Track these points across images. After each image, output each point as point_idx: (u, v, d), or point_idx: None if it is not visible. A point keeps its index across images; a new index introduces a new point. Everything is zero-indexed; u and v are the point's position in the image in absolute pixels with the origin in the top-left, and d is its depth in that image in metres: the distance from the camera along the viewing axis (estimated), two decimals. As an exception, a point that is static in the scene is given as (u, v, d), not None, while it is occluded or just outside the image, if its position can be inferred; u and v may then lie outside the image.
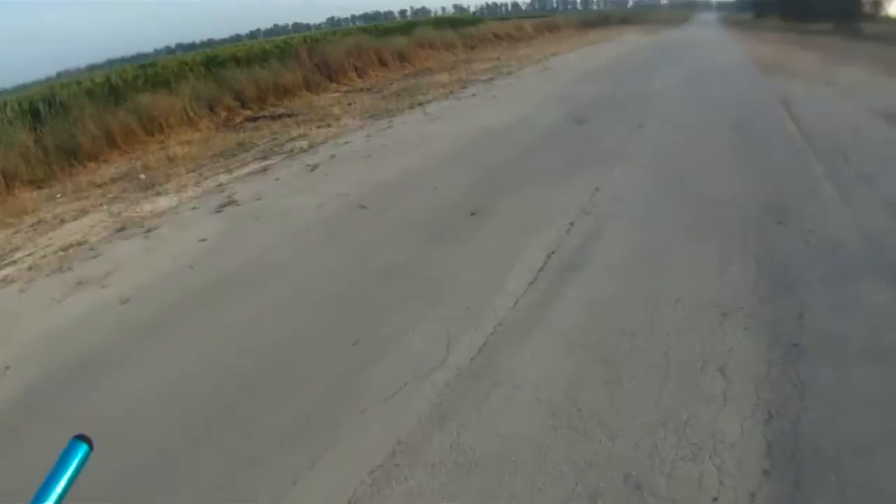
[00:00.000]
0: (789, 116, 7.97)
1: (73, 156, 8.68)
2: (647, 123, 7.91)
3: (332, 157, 7.28)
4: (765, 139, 6.91)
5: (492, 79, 13.79)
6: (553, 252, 3.99)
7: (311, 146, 7.96)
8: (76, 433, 0.89)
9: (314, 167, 6.88)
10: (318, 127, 9.35)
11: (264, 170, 7.02)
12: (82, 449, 0.89)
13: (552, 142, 7.29)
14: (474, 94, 11.17)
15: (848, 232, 4.04)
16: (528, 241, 4.22)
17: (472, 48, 22.76)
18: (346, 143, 7.89)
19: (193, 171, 7.37)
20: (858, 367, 2.59)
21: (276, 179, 6.55)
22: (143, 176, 7.62)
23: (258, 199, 5.86)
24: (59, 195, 7.02)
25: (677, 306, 3.18)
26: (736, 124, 7.65)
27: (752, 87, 10.84)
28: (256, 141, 8.82)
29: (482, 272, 3.78)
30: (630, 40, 26.21)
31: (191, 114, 10.93)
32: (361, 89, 14.09)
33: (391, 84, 14.57)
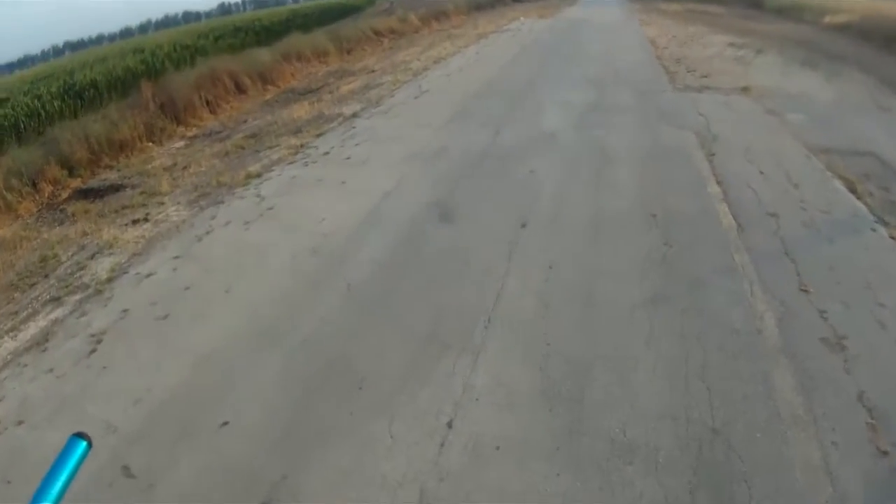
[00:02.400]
0: (717, 186, 7.29)
1: None
2: (530, 219, 6.82)
3: (121, 316, 5.81)
4: (694, 260, 5.70)
5: (356, 114, 12.60)
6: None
7: (104, 280, 6.60)
8: (75, 432, 1.00)
9: (88, 353, 5.31)
10: (134, 223, 8.04)
11: (43, 342, 5.70)
12: (81, 446, 0.99)
13: (398, 276, 5.82)
14: (326, 153, 9.93)
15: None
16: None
17: (349, 52, 21.28)
18: (148, 275, 6.61)
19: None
20: None
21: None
22: None
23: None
24: None
25: None
26: (648, 214, 6.70)
27: (661, 117, 10.23)
28: (60, 254, 7.48)
29: None
30: (523, 28, 25.30)
31: (7, 196, 9.29)
32: (210, 133, 12.66)
33: (244, 122, 13.19)
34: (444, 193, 7.71)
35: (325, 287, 5.79)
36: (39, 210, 9.21)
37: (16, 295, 6.70)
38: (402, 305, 5.34)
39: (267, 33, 28.33)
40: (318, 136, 11.07)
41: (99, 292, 6.37)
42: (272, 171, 9.30)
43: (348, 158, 9.49)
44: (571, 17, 27.90)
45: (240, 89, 15.50)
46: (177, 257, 6.84)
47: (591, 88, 12.83)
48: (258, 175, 9.09)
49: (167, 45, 23.75)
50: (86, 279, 6.73)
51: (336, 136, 10.89)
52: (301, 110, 13.24)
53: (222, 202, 8.21)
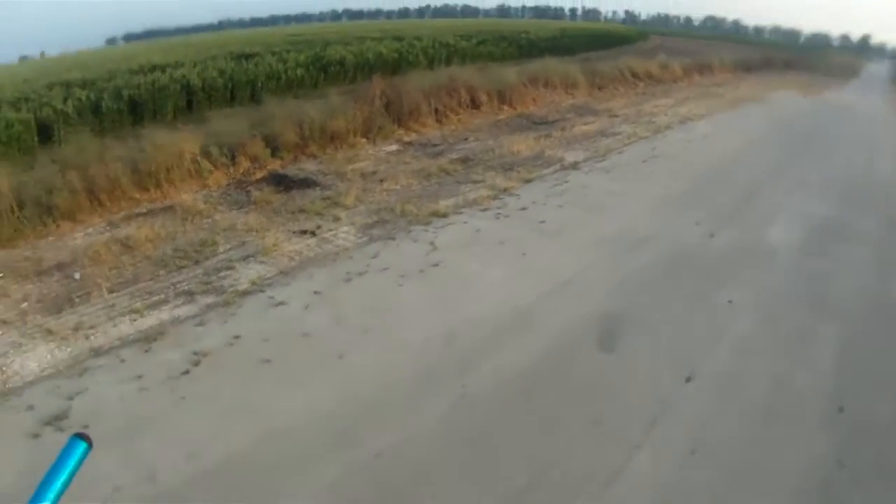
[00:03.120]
0: None
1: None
2: (699, 374, 5.15)
3: (230, 342, 5.26)
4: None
5: (576, 164, 11.32)
6: None
7: (240, 292, 6.13)
8: (75, 432, 1.01)
9: (180, 373, 4.92)
10: (301, 234, 7.59)
11: (150, 341, 5.35)
12: (81, 447, 1.01)
13: (517, 402, 4.60)
14: (523, 209, 8.78)
15: None
16: None
17: (599, 88, 19.90)
18: (279, 303, 5.97)
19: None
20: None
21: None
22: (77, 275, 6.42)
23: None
24: None
25: None
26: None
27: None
28: (220, 244, 7.28)
29: None
30: (780, 102, 22.03)
31: (201, 163, 9.52)
32: (426, 144, 12.21)
33: (464, 140, 12.58)
34: (619, 306, 6.20)
35: (437, 388, 4.76)
36: (227, 185, 9.23)
37: (160, 273, 6.54)
38: (505, 445, 4.20)
39: (529, 48, 27.90)
40: (527, 181, 10.03)
41: (227, 304, 5.92)
42: (460, 213, 8.42)
43: (542, 223, 8.32)
44: (836, 102, 23.70)
45: (474, 103, 14.95)
46: (317, 293, 6.19)
47: (836, 200, 10.23)
48: (444, 216, 8.25)
49: (427, 38, 24.23)
50: (226, 282, 6.36)
51: (543, 189, 9.77)
52: (524, 143, 12.30)
53: (393, 239, 7.49)
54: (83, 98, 14.49)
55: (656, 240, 7.92)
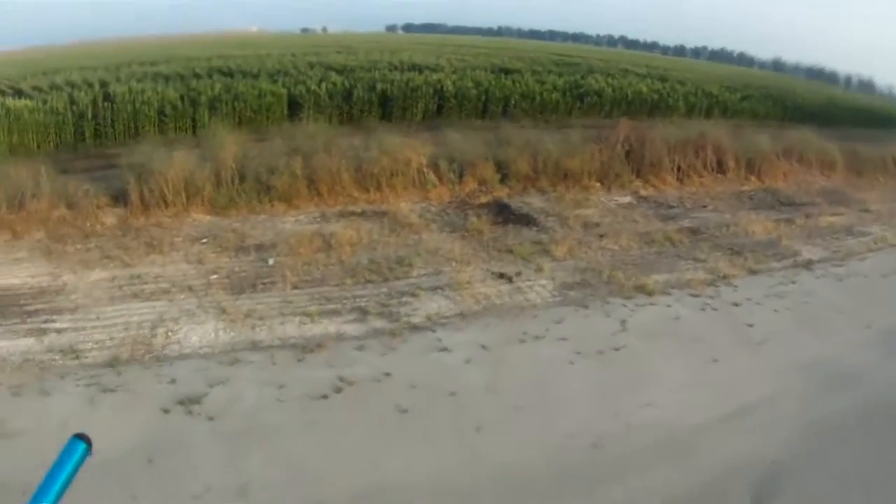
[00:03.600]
0: None
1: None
2: None
3: (379, 378, 5.06)
4: None
5: (809, 263, 9.32)
6: None
7: (410, 325, 5.89)
8: (75, 433, 1.02)
9: (317, 395, 4.80)
10: (499, 277, 7.15)
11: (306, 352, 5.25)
12: (81, 448, 1.01)
13: None
14: (735, 304, 7.43)
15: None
16: None
17: (858, 174, 16.68)
18: (438, 349, 5.56)
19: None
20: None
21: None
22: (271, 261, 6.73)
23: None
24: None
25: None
26: None
27: None
28: (415, 266, 7.09)
29: None
30: None
31: (426, 175, 9.49)
32: (660, 203, 11.14)
33: (702, 207, 11.30)
34: (799, 456, 4.93)
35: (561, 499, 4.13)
36: (448, 203, 9.14)
37: (347, 281, 6.58)
38: None
39: (793, 112, 24.71)
40: (751, 272, 8.72)
41: (394, 335, 5.78)
42: (668, 294, 7.58)
43: (750, 326, 7.09)
44: None
45: (720, 167, 13.39)
46: (484, 347, 5.84)
47: None
48: (650, 293, 7.39)
49: (691, 83, 22.50)
50: (403, 310, 6.23)
51: (765, 285, 8.36)
52: (762, 225, 10.78)
53: (586, 307, 6.84)
54: (337, 83, 15.58)
55: (871, 381, 6.29)
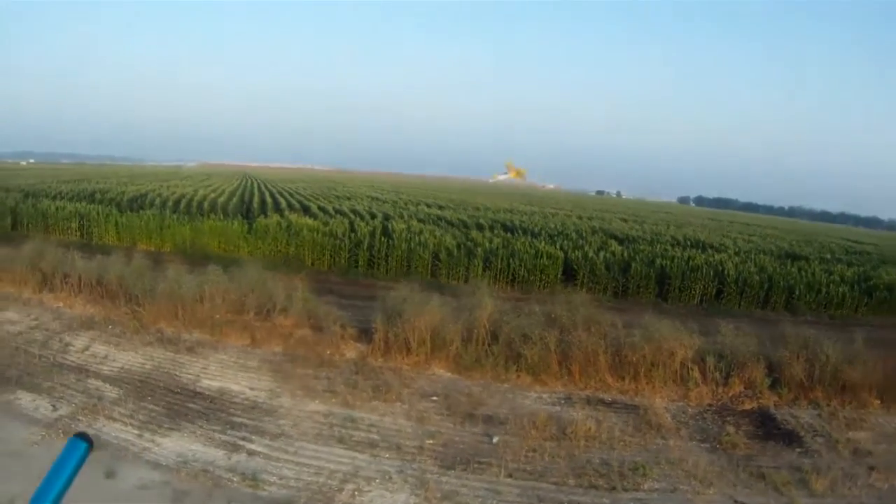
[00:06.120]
0: None
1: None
2: None
3: None
4: None
5: None
6: None
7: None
8: (76, 432, 0.98)
9: None
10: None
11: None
12: (82, 447, 0.99)
13: None
14: None
15: None
16: None
17: None
18: None
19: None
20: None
21: None
22: (496, 439, 5.93)
23: None
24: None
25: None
26: None
27: None
28: (650, 476, 5.92)
29: None
30: None
31: (692, 370, 8.16)
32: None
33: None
34: None
35: None
36: (707, 406, 7.93)
37: (569, 481, 6.06)
38: None
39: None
40: None
41: None
42: None
43: None
44: None
45: None
46: None
47: None
48: None
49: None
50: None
51: None
52: None
53: None
54: (616, 253, 15.05)
55: None
